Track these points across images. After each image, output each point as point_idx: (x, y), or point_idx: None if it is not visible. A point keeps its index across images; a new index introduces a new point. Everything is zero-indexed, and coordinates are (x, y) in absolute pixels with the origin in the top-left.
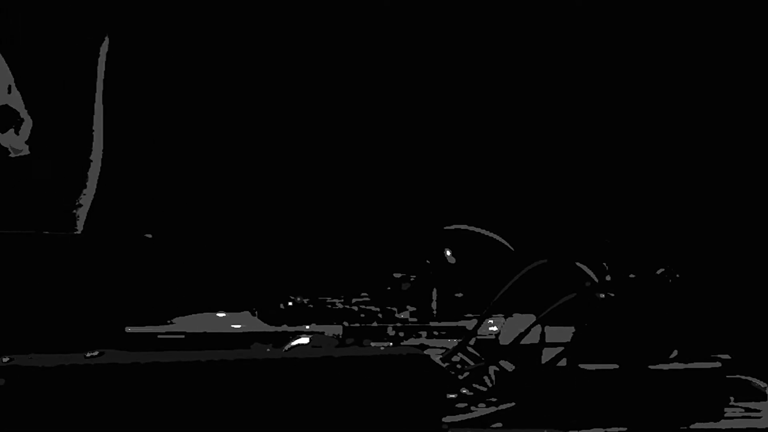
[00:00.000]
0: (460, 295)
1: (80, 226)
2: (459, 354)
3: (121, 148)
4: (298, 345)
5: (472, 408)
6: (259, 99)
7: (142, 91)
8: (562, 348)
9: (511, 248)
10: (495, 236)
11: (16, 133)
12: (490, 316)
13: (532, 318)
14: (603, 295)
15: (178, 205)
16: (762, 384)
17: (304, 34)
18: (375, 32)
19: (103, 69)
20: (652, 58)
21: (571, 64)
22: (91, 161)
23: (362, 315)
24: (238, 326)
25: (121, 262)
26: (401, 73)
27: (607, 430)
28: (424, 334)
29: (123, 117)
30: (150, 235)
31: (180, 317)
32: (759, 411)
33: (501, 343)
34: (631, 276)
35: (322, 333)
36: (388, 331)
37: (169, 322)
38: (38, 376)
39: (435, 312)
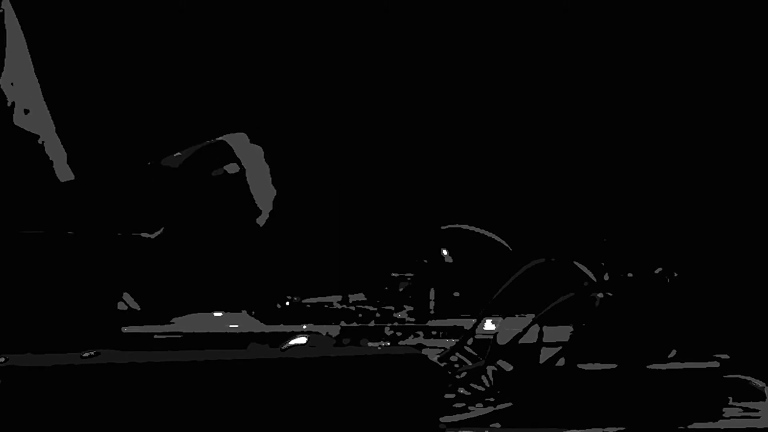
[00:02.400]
0: (457, 294)
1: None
2: (456, 354)
3: (118, 147)
4: (295, 345)
5: (470, 408)
6: (256, 97)
7: (139, 89)
8: (560, 348)
9: (509, 247)
10: (492, 235)
11: None
12: (487, 316)
13: (530, 317)
14: (601, 295)
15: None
16: (761, 384)
17: (303, 32)
18: (375, 32)
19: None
20: (652, 58)
21: (571, 64)
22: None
23: (359, 315)
24: (235, 326)
25: (118, 261)
26: (398, 72)
27: (606, 430)
28: (421, 333)
29: (120, 116)
30: (147, 235)
31: (177, 317)
32: (758, 411)
33: (499, 342)
34: (629, 275)
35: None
36: (386, 331)
37: (165, 322)
38: (34, 376)
39: (432, 312)
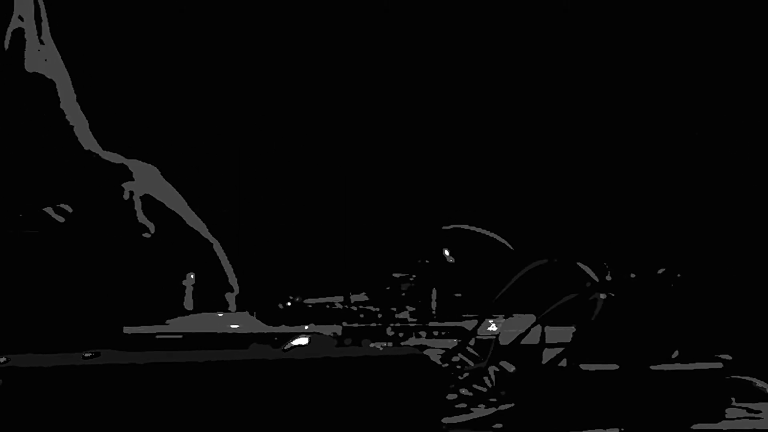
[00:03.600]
0: (459, 295)
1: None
2: (459, 354)
3: (119, 148)
4: (297, 345)
5: (472, 409)
6: (257, 98)
7: (140, 88)
8: (563, 348)
9: (511, 247)
10: (494, 235)
11: None
12: (489, 317)
13: (532, 318)
14: (604, 295)
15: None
16: (764, 385)
17: (306, 32)
18: (375, 32)
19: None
20: (652, 58)
21: (571, 64)
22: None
23: (361, 315)
24: (237, 326)
25: (119, 262)
26: (399, 72)
27: (608, 431)
28: (423, 334)
29: (120, 116)
30: (148, 235)
31: (178, 317)
32: (760, 412)
33: (501, 343)
34: (632, 276)
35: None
36: (388, 332)
37: (166, 322)
38: (35, 376)
39: (434, 312)
